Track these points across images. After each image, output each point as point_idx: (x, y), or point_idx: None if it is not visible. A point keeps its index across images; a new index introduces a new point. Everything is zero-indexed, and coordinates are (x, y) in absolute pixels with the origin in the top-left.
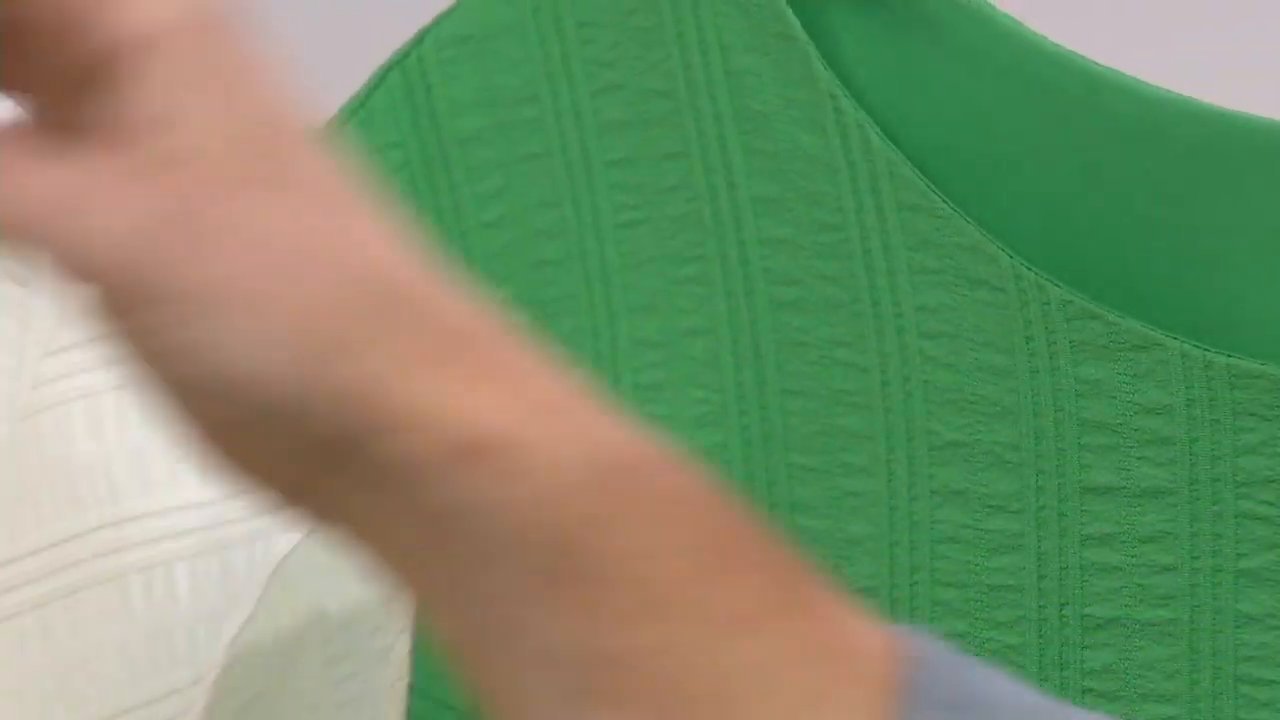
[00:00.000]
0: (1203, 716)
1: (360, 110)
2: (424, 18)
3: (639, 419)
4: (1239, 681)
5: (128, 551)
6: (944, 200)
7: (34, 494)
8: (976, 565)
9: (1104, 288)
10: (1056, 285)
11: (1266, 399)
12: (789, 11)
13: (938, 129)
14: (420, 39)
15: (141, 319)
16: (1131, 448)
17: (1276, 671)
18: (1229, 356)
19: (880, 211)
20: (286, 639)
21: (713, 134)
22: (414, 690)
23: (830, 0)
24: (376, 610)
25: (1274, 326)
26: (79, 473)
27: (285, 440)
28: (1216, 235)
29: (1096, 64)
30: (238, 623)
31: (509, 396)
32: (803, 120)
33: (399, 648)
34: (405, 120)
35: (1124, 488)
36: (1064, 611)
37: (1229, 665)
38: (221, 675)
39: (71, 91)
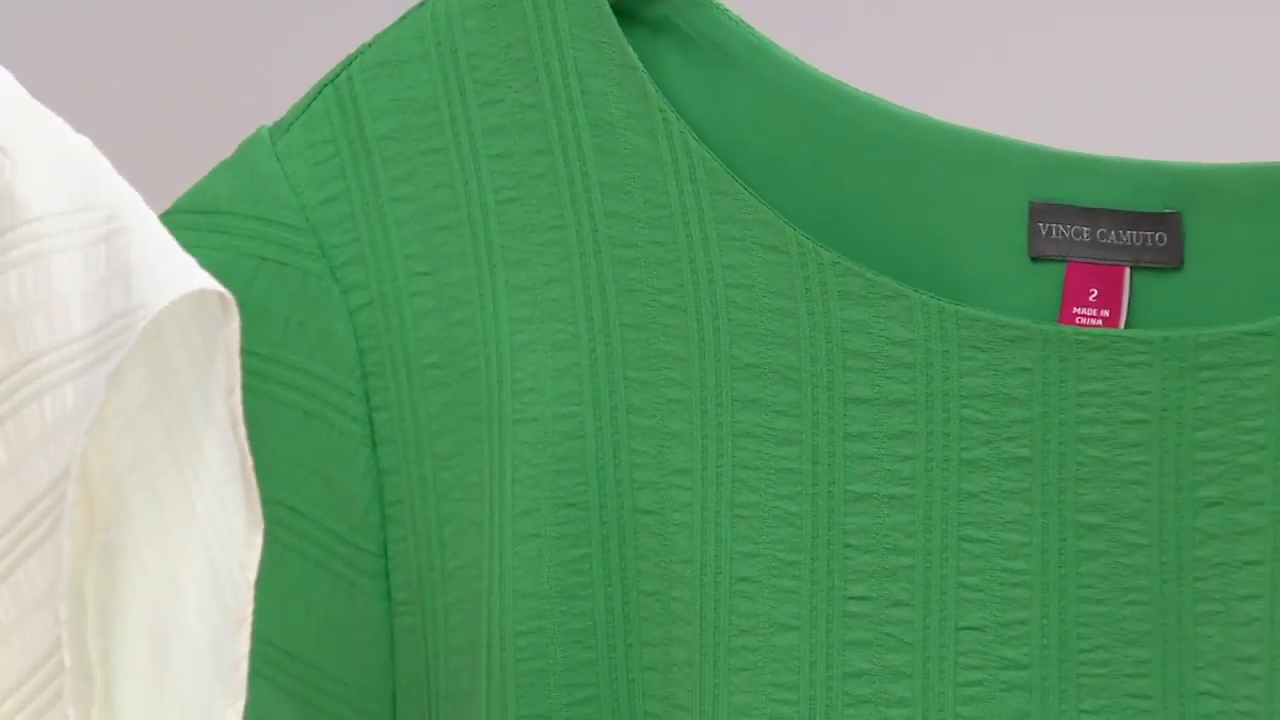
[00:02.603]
0: (934, 565)
1: (302, 115)
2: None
3: (513, 343)
4: (961, 540)
5: (43, 377)
6: (744, 188)
7: None
8: (766, 454)
9: (864, 253)
10: (829, 250)
11: (985, 335)
12: (629, 48)
13: (740, 135)
14: (349, 63)
15: None
16: (883, 369)
17: (989, 531)
18: (957, 305)
19: (696, 195)
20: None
21: (571, 136)
22: None
23: (659, 41)
24: None
25: (989, 285)
26: (14, 320)
27: None
28: (948, 218)
29: (860, 90)
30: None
31: None
32: (639, 128)
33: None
34: (337, 122)
35: (877, 399)
36: (831, 488)
37: (954, 528)
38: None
39: None
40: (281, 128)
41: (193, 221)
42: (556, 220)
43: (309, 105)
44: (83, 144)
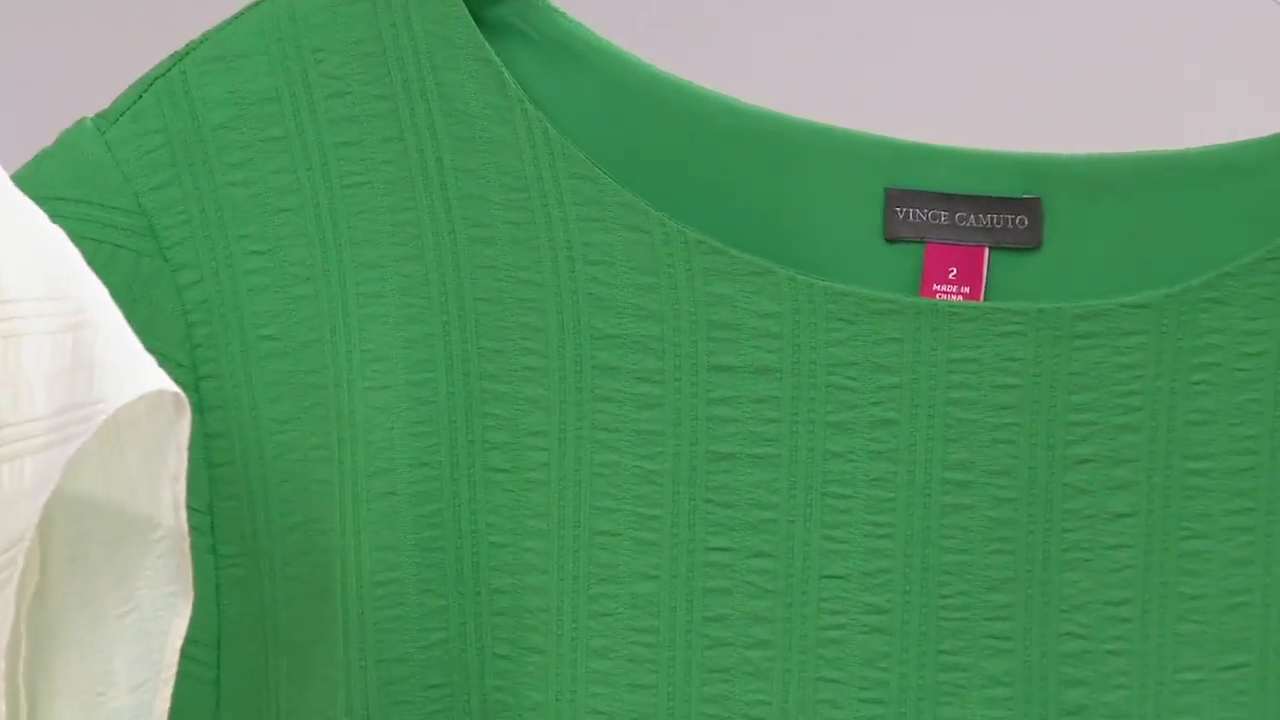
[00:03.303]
0: (798, 519)
1: (132, 108)
2: None
3: (361, 316)
4: (825, 496)
5: (3, 448)
6: (603, 172)
7: None
8: (626, 417)
9: (729, 235)
10: (692, 230)
11: (853, 309)
12: (485, 43)
13: (587, 127)
14: (181, 58)
15: None
16: (747, 339)
17: (853, 488)
18: (824, 281)
19: (555, 178)
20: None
21: (424, 124)
22: None
23: (502, 41)
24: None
25: (846, 266)
26: None
27: None
28: (801, 206)
29: (704, 87)
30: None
31: None
32: (495, 117)
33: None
34: (168, 113)
35: (741, 366)
36: (694, 448)
37: (818, 485)
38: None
39: None
40: (108, 119)
41: None
42: (408, 203)
43: (138, 98)
44: (58, 235)
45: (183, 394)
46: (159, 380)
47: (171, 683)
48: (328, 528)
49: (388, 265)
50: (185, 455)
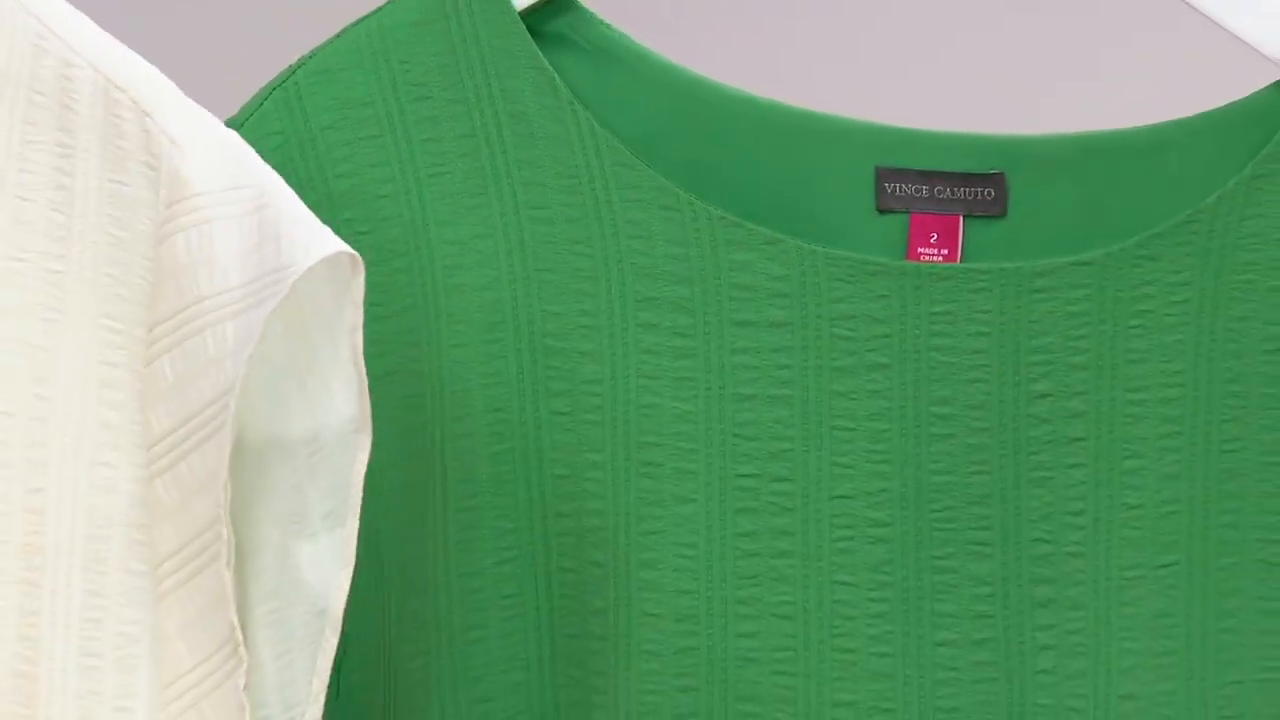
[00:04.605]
0: (810, 448)
1: (254, 114)
2: None
3: (445, 285)
4: (833, 429)
5: (204, 317)
6: (642, 161)
7: (163, 286)
8: (665, 366)
9: (737, 214)
10: (716, 208)
11: (850, 271)
12: (540, 53)
13: (628, 123)
14: (294, 70)
15: None
16: (764, 298)
17: (855, 421)
18: (826, 248)
19: (601, 167)
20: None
21: (492, 123)
22: None
23: (556, 50)
24: None
25: (844, 234)
26: (181, 272)
27: None
28: (807, 183)
29: (727, 85)
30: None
31: None
32: (550, 116)
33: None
34: (284, 117)
35: (759, 321)
36: (722, 391)
37: (826, 419)
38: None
39: None
40: (236, 122)
41: None
42: (480, 189)
43: (260, 105)
44: (234, 137)
45: (357, 254)
46: (337, 244)
47: (358, 509)
48: (420, 464)
49: (466, 242)
50: (361, 310)
